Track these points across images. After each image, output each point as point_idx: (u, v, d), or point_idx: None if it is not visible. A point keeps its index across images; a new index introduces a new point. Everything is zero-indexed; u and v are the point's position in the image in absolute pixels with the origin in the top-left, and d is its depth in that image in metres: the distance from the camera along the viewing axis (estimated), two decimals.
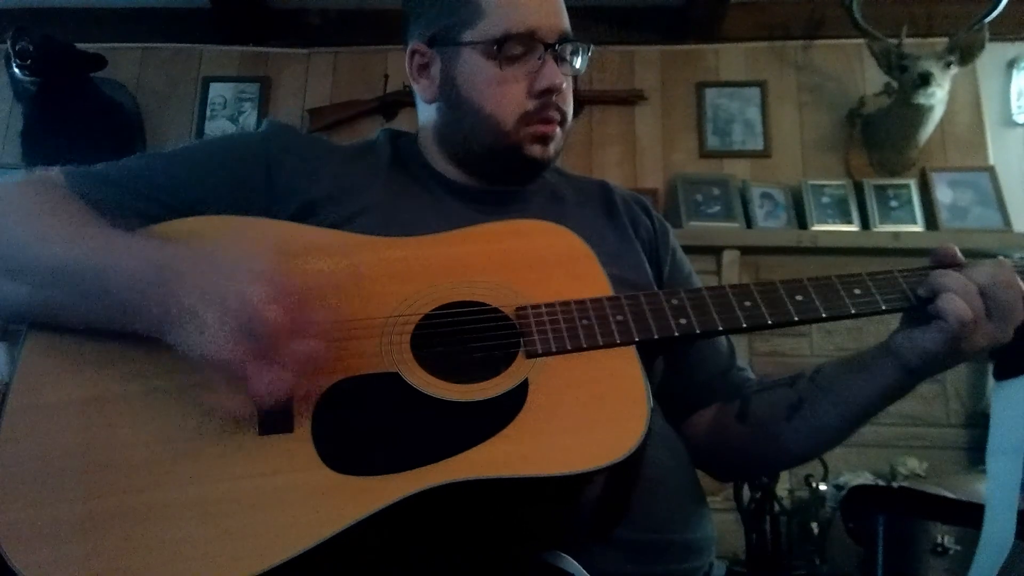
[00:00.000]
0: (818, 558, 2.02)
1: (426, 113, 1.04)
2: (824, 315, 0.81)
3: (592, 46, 1.01)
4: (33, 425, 0.70)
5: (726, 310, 0.81)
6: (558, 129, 0.98)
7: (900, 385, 0.83)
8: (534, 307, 0.79)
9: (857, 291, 0.82)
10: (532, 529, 0.73)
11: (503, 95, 0.95)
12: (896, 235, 2.47)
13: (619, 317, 0.78)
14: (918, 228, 2.51)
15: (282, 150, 0.94)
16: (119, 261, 0.73)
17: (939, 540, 1.49)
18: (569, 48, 0.98)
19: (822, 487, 2.12)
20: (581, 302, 0.79)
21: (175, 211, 0.86)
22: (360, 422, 0.72)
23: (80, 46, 2.61)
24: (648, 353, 0.78)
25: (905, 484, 1.83)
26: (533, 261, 0.85)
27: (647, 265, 1.02)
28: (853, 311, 0.81)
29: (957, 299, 0.75)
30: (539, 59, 0.94)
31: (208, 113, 2.81)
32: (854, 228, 2.53)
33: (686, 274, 1.09)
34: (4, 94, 2.72)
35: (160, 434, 0.70)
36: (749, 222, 2.57)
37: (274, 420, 0.69)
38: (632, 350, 0.77)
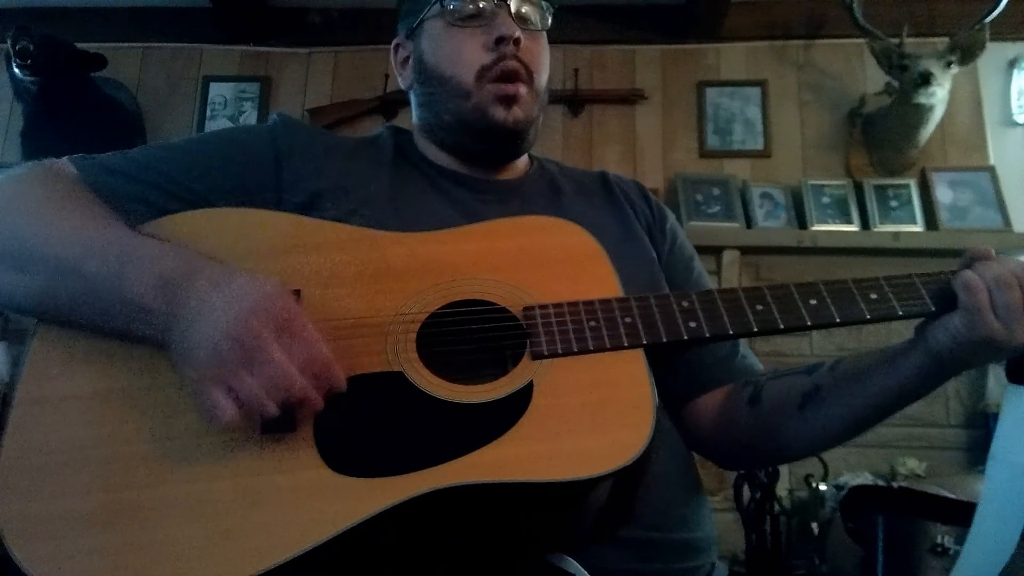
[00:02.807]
0: (818, 558, 2.02)
1: (412, 106, 1.06)
2: (839, 320, 0.78)
3: (553, 4, 1.00)
4: (41, 417, 0.71)
5: (737, 314, 0.79)
6: (523, 88, 0.95)
7: (923, 376, 0.80)
8: (541, 307, 0.78)
9: (873, 296, 0.79)
10: (536, 532, 0.72)
11: (460, 53, 0.95)
12: (896, 235, 2.47)
13: (627, 319, 0.77)
14: (918, 228, 2.51)
15: (290, 143, 0.94)
16: (128, 268, 0.73)
17: (939, 540, 1.50)
18: (525, 5, 0.97)
19: (822, 487, 2.13)
20: (589, 303, 0.78)
21: (183, 202, 0.86)
22: (363, 422, 0.71)
23: (80, 46, 2.60)
24: (657, 355, 0.77)
25: (905, 484, 1.83)
26: (543, 259, 0.83)
27: (652, 252, 1.01)
28: (868, 316, 0.78)
29: (972, 275, 0.74)
30: (492, 13, 0.94)
31: (208, 113, 2.81)
32: (854, 228, 2.52)
33: (687, 259, 1.08)
34: (4, 94, 2.72)
35: (165, 431, 0.70)
36: (749, 222, 2.57)
37: (276, 419, 0.69)
38: (639, 353, 0.75)
